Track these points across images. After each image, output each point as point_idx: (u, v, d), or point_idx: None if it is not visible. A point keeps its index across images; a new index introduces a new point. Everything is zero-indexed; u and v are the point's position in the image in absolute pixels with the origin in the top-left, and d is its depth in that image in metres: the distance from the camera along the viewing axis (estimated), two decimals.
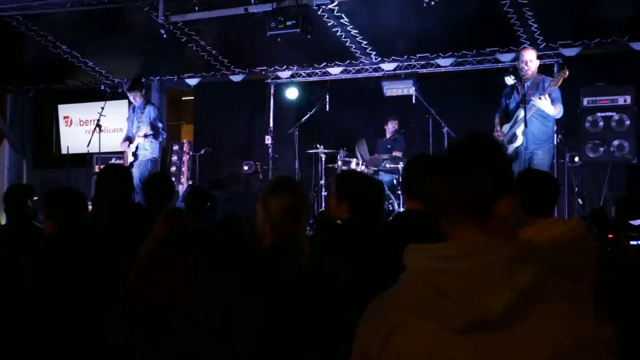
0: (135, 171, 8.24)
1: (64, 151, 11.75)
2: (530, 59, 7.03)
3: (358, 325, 1.64)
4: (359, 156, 9.73)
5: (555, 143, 7.31)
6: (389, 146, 9.73)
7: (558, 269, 3.14)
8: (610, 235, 6.00)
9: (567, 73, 6.73)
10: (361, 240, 3.26)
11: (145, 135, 8.31)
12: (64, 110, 12.49)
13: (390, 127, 9.84)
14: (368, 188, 3.68)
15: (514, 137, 7.18)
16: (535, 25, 8.18)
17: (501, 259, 1.49)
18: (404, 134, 9.81)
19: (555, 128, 7.27)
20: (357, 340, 1.63)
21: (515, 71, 7.22)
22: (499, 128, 7.47)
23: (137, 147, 8.41)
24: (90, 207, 4.67)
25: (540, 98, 6.78)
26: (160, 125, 8.51)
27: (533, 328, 1.46)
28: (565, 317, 1.49)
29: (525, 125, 6.82)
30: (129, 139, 8.49)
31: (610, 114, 8.19)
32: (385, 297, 1.62)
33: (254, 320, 1.40)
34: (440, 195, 1.63)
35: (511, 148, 7.20)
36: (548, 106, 6.80)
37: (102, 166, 9.59)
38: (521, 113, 7.05)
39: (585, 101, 8.33)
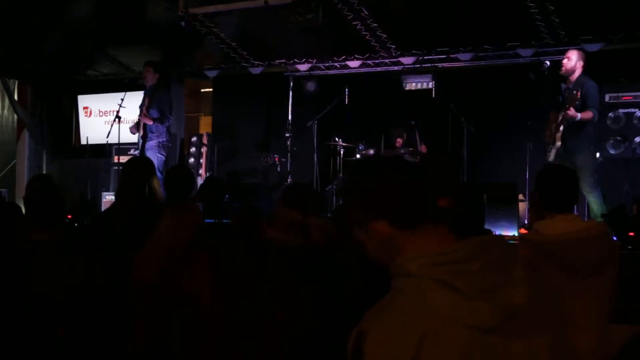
0: None
1: (83, 142, 11.81)
2: (569, 56, 7.05)
3: (368, 343, 1.47)
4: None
5: (594, 143, 7.22)
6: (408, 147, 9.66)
7: (569, 264, 3.15)
8: (631, 233, 5.95)
9: (578, 96, 6.77)
10: None
11: (152, 119, 8.43)
12: (83, 100, 12.55)
13: (400, 142, 9.71)
14: None
15: (555, 139, 7.16)
16: (558, 20, 8.10)
17: (500, 255, 1.56)
18: (420, 127, 9.76)
19: (593, 129, 7.18)
20: (379, 357, 1.46)
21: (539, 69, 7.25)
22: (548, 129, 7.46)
23: (144, 129, 8.51)
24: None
25: (569, 110, 6.79)
26: (166, 109, 8.56)
27: (542, 315, 1.55)
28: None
29: (565, 129, 6.88)
30: (138, 124, 8.62)
31: (632, 110, 8.13)
32: (398, 307, 1.52)
33: (283, 324, 1.39)
34: (428, 196, 1.64)
35: (554, 150, 7.19)
36: (576, 115, 6.79)
37: (121, 157, 9.66)
38: (560, 115, 7.05)
39: (607, 97, 8.26)
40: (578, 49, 7.37)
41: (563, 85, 7.19)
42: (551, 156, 7.33)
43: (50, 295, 2.64)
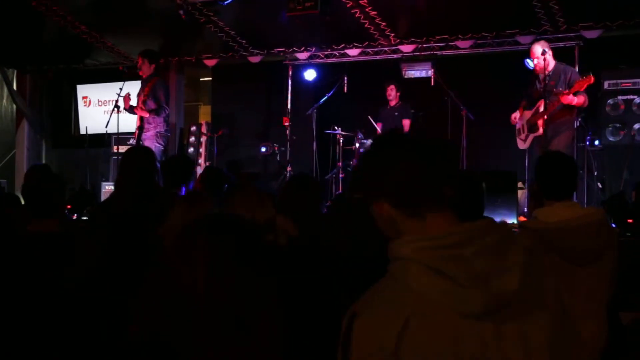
0: None
1: (82, 131, 11.80)
2: (538, 55, 6.98)
3: (357, 323, 1.53)
4: None
5: (575, 127, 7.20)
6: (395, 114, 9.70)
7: (568, 251, 3.16)
8: (630, 220, 5.96)
9: (592, 80, 6.68)
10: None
11: (148, 111, 8.38)
12: (82, 90, 12.53)
13: (392, 93, 9.76)
14: None
15: (534, 127, 7.15)
16: (557, 7, 8.07)
17: (496, 240, 1.54)
18: (421, 116, 9.78)
19: (575, 114, 7.18)
20: (365, 338, 1.51)
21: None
22: (518, 114, 7.47)
23: (142, 121, 8.48)
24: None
25: (563, 93, 6.75)
26: (163, 100, 8.50)
27: (539, 299, 1.55)
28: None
29: (548, 117, 6.82)
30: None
31: (631, 97, 8.12)
32: (388, 290, 1.56)
33: (275, 312, 1.39)
34: (432, 182, 1.61)
35: (531, 137, 7.20)
36: (573, 99, 6.76)
37: (120, 147, 9.64)
38: (542, 104, 7.01)
39: (606, 84, 8.26)
40: (539, 43, 7.26)
41: (540, 75, 7.13)
42: (526, 143, 7.35)
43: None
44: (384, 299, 1.54)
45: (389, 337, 1.47)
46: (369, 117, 9.61)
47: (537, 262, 1.58)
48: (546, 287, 1.58)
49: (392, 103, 9.80)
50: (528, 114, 7.36)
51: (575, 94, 6.78)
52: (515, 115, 7.54)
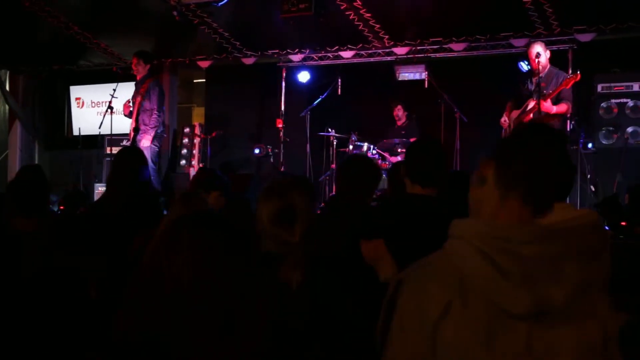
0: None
1: (75, 132, 11.76)
2: (537, 53, 7.00)
3: (404, 290, 1.57)
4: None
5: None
6: (402, 132, 9.69)
7: None
8: (623, 223, 5.97)
9: (579, 77, 6.77)
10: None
11: (151, 128, 8.37)
12: (75, 91, 12.49)
13: (400, 113, 9.78)
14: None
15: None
16: (550, 10, 8.09)
17: (561, 250, 1.50)
18: (415, 118, 9.78)
19: (560, 121, 7.21)
20: (410, 305, 1.55)
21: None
22: (506, 116, 7.50)
23: (137, 122, 8.46)
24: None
25: (545, 102, 6.81)
26: (157, 101, 8.48)
27: (579, 323, 1.49)
28: (603, 314, 1.52)
29: (540, 114, 6.83)
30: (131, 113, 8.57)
31: (624, 100, 8.14)
32: (437, 265, 1.57)
33: (261, 312, 1.38)
34: (535, 173, 1.58)
35: None
36: (551, 108, 6.81)
37: (113, 148, 9.62)
38: (531, 103, 7.05)
39: (599, 87, 8.28)
40: (537, 43, 7.28)
41: (532, 73, 7.17)
42: None
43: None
44: (432, 272, 1.56)
45: (433, 310, 1.49)
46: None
47: (594, 289, 1.54)
48: (595, 301, 1.53)
49: (400, 123, 9.80)
50: (516, 113, 7.40)
51: (557, 102, 6.82)
52: (504, 118, 7.58)
